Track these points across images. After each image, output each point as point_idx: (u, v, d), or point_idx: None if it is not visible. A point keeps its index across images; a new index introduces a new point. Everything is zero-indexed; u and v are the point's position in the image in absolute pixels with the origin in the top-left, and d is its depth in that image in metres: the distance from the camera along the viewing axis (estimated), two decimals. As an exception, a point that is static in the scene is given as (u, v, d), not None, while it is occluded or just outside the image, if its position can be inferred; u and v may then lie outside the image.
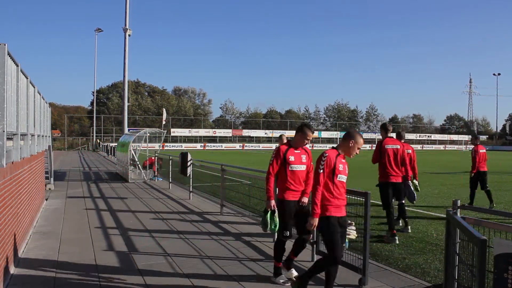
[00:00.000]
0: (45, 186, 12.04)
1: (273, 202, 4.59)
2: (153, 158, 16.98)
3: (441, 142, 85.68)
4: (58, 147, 60.19)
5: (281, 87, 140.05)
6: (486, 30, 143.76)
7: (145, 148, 19.21)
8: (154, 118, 72.32)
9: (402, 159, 6.92)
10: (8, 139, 4.81)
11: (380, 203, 7.12)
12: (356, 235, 5.20)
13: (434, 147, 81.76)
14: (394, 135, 7.39)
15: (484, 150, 10.20)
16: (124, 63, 24.01)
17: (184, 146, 60.71)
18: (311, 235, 5.21)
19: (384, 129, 7.16)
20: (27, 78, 6.35)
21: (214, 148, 63.73)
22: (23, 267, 5.18)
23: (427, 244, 6.50)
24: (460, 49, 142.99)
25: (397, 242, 6.48)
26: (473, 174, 10.07)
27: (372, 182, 15.31)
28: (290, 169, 4.60)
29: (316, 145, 72.13)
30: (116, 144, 29.15)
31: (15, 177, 5.45)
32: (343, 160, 4.22)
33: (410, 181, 7.37)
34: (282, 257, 4.76)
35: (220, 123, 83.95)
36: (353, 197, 4.83)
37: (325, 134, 78.36)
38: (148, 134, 18.27)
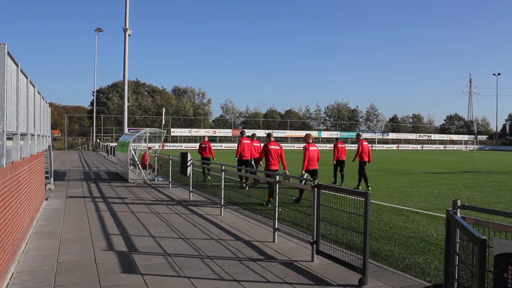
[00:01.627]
0: (45, 186, 12.04)
1: None
2: (147, 155, 17.05)
3: (441, 142, 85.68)
4: (58, 147, 60.20)
5: (281, 87, 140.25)
6: (486, 30, 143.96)
7: (145, 148, 19.21)
8: (154, 118, 72.33)
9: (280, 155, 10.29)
10: (8, 139, 4.81)
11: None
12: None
13: (434, 147, 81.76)
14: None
15: (343, 145, 14.44)
16: (124, 63, 23.99)
17: (184, 146, 60.70)
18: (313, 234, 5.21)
19: (269, 135, 10.58)
20: (27, 78, 6.34)
21: (214, 148, 63.43)
22: (23, 267, 5.18)
23: (427, 244, 6.50)
24: (460, 49, 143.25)
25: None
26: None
27: (371, 182, 15.31)
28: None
29: (316, 144, 72.09)
30: (116, 144, 29.14)
31: (15, 177, 5.45)
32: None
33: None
34: None
35: (220, 123, 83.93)
36: (353, 197, 4.83)
37: (325, 134, 78.35)
38: (148, 134, 18.27)
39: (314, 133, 78.30)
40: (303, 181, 7.29)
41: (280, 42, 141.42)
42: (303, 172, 10.03)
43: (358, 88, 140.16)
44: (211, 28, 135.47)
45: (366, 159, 13.47)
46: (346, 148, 15.37)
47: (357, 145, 13.94)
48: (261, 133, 72.37)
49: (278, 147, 10.23)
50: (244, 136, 12.26)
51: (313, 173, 10.20)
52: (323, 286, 4.62)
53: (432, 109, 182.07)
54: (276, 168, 10.01)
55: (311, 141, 10.62)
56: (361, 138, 13.76)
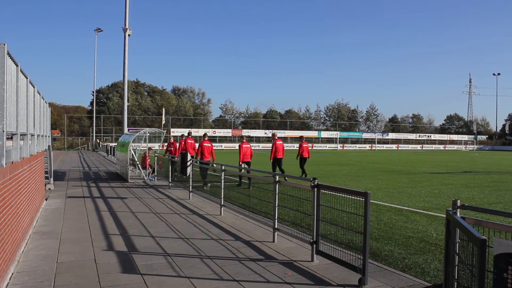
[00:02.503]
0: (45, 186, 12.04)
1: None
2: (148, 156, 17.07)
3: (441, 142, 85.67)
4: (58, 147, 60.20)
5: (281, 87, 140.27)
6: (486, 30, 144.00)
7: (145, 148, 19.22)
8: (154, 118, 72.32)
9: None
10: (8, 139, 4.81)
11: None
12: None
13: (434, 147, 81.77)
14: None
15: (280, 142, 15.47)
16: (124, 63, 24.00)
17: (184, 146, 60.56)
18: (313, 235, 5.21)
19: (205, 135, 14.31)
20: (26, 78, 6.34)
21: (214, 148, 63.67)
22: (23, 267, 5.18)
23: (427, 244, 6.50)
24: (460, 49, 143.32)
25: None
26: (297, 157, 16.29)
27: (371, 182, 15.32)
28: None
29: (316, 145, 72.15)
30: (116, 144, 29.12)
31: (15, 177, 5.45)
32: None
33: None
34: None
35: (220, 123, 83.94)
36: (352, 197, 4.83)
37: (325, 134, 78.37)
38: (148, 134, 18.26)
39: (314, 133, 78.39)
40: (242, 170, 12.27)
41: (280, 42, 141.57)
42: (240, 163, 13.58)
43: (358, 88, 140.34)
44: (211, 28, 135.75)
45: (280, 156, 15.29)
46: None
47: (271, 143, 15.70)
48: (260, 133, 72.70)
49: (209, 145, 13.96)
50: (190, 136, 15.07)
51: (247, 164, 13.76)
52: (323, 286, 4.62)
53: (432, 109, 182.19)
54: (208, 160, 13.50)
55: (244, 141, 14.32)
56: (276, 138, 15.75)
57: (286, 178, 14.17)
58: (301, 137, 17.30)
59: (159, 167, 16.23)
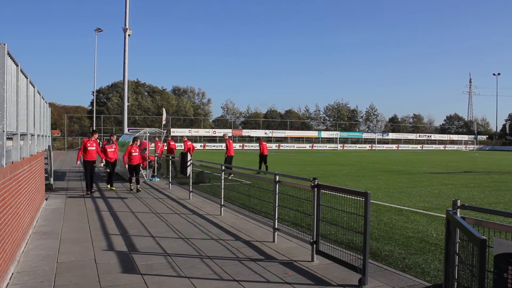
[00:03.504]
0: (45, 186, 12.03)
1: None
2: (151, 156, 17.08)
3: (441, 142, 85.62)
4: (58, 147, 60.14)
5: (281, 87, 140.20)
6: (486, 30, 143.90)
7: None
8: (154, 118, 72.30)
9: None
10: (8, 139, 4.81)
11: None
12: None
13: (434, 147, 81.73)
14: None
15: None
16: (124, 63, 23.96)
17: (184, 146, 60.57)
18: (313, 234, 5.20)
19: (168, 136, 19.03)
20: (27, 78, 6.35)
21: (214, 148, 63.71)
22: (23, 267, 5.18)
23: (427, 244, 6.50)
24: (460, 49, 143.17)
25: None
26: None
27: (371, 182, 15.31)
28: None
29: (316, 145, 72.13)
30: (116, 144, 29.05)
31: (15, 177, 5.45)
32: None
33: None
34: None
35: (220, 123, 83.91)
36: (353, 197, 4.83)
37: (325, 134, 78.30)
38: (148, 134, 18.27)
39: (314, 133, 78.34)
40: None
41: (280, 42, 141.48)
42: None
43: (358, 88, 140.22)
44: (211, 28, 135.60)
45: (232, 154, 17.12)
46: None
47: (225, 143, 17.76)
48: (261, 133, 72.69)
49: (174, 143, 17.76)
50: (170, 138, 18.12)
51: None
52: (323, 286, 4.62)
53: (432, 109, 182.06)
54: (174, 155, 15.30)
55: (187, 139, 17.71)
56: (227, 138, 17.81)
57: (232, 176, 14.82)
58: (225, 134, 19.85)
59: (159, 166, 16.22)
